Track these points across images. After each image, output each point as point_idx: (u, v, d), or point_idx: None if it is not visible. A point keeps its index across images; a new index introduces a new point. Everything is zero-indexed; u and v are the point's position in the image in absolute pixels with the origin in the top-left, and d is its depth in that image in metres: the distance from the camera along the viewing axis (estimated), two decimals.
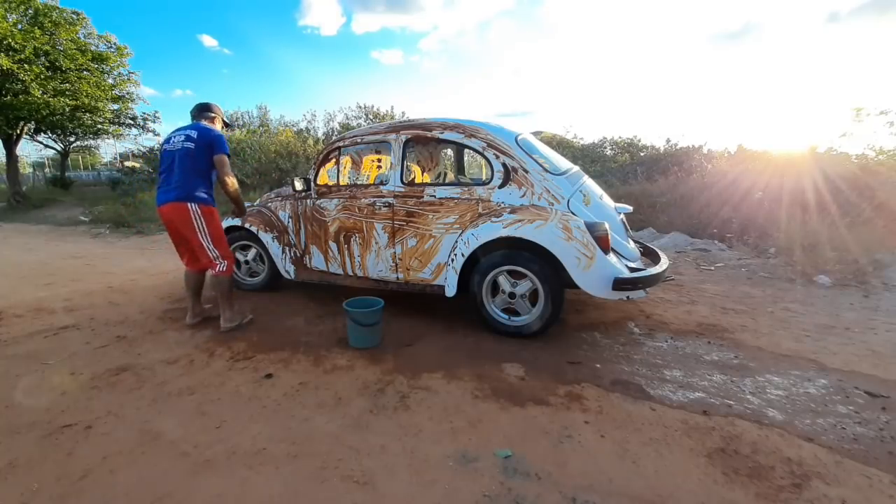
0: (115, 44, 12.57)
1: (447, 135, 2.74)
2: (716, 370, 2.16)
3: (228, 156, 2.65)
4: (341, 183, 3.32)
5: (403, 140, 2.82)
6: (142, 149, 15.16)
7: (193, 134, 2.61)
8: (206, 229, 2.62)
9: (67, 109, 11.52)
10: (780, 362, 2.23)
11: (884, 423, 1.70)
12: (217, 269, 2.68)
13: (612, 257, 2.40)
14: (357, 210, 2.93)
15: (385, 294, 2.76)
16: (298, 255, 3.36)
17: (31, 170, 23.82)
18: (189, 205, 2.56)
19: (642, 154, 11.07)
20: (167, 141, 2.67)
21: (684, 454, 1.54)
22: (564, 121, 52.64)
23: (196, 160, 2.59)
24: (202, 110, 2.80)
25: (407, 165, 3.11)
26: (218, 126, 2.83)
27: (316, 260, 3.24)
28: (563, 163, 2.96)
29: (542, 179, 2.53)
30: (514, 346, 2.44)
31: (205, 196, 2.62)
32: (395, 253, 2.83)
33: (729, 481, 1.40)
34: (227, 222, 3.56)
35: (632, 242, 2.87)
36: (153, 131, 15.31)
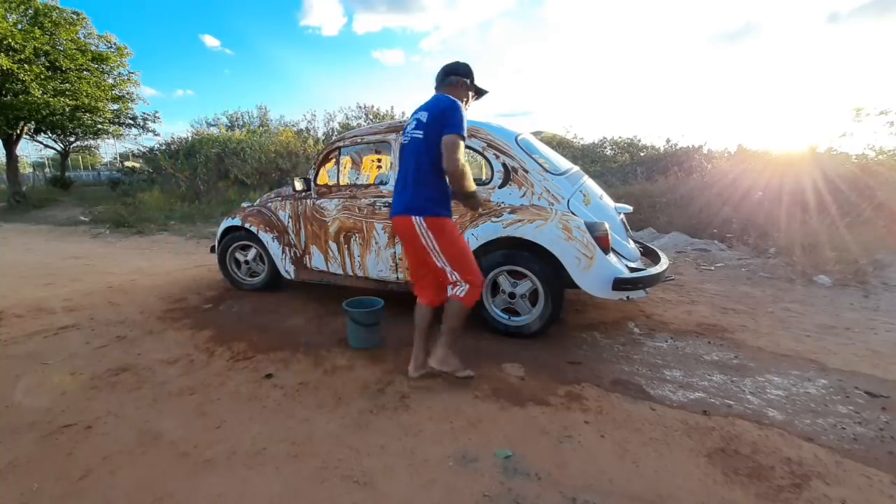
0: (115, 44, 12.60)
1: None
2: (716, 370, 2.16)
3: (463, 137, 1.79)
4: (341, 183, 3.32)
5: None
6: (142, 149, 15.16)
7: (424, 116, 1.88)
8: (436, 246, 1.91)
9: (67, 109, 11.52)
10: (780, 362, 2.23)
11: (884, 423, 1.70)
12: (456, 290, 1.94)
13: (612, 257, 2.40)
14: (357, 210, 2.93)
15: (385, 294, 2.76)
16: (298, 255, 3.35)
17: (31, 170, 23.80)
18: (413, 218, 1.89)
19: (642, 154, 11.09)
20: (404, 132, 2.02)
21: (684, 454, 1.54)
22: (564, 121, 52.81)
23: (425, 153, 1.87)
24: (446, 74, 1.99)
25: None
26: (463, 94, 1.99)
27: (316, 260, 3.24)
28: (563, 163, 2.96)
29: (542, 179, 2.53)
30: (514, 346, 2.44)
31: (431, 205, 1.90)
32: (395, 253, 2.83)
33: (729, 481, 1.40)
34: (226, 223, 3.57)
35: (632, 242, 2.87)
36: (153, 131, 15.35)
